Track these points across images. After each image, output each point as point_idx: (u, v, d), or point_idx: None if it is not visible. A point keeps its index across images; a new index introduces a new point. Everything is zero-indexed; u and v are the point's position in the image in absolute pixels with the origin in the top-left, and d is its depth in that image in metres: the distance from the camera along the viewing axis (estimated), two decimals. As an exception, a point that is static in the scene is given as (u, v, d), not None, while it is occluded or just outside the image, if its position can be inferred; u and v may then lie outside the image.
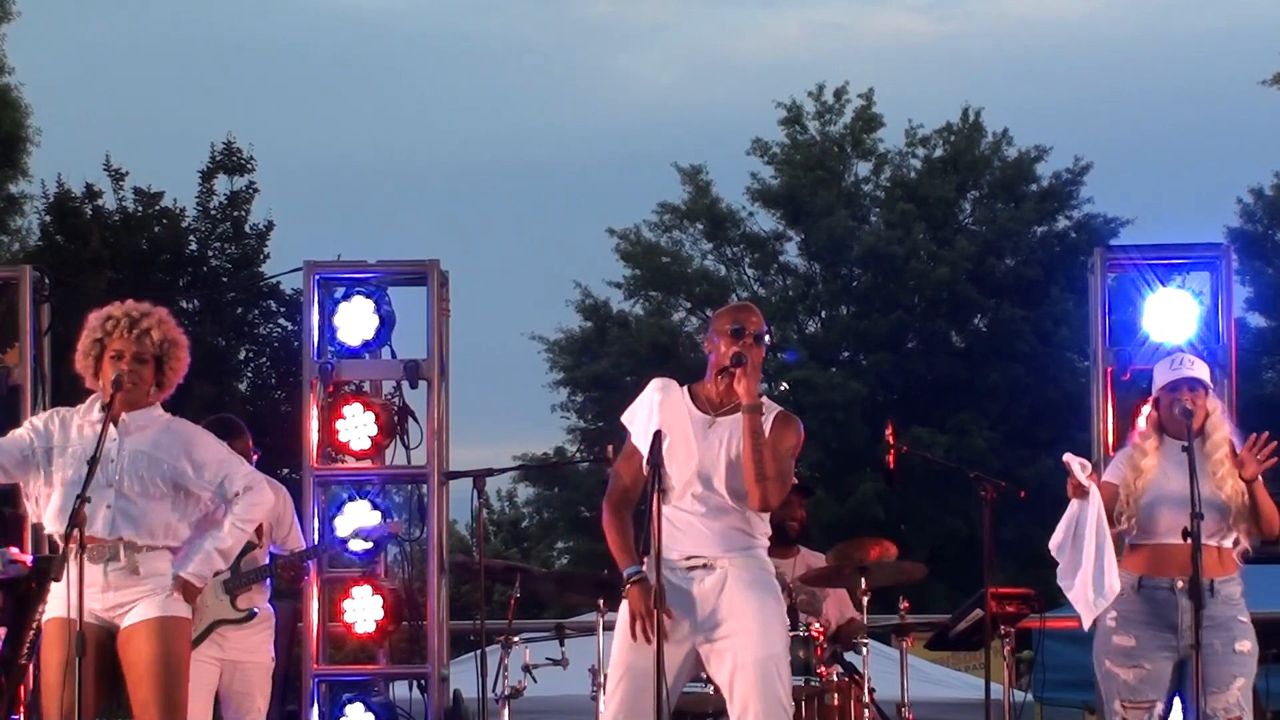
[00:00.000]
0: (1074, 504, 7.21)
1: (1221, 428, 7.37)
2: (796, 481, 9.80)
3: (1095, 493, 7.18)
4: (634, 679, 6.67)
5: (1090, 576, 7.18)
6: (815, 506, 32.16)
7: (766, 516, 6.90)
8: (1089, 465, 7.23)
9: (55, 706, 6.71)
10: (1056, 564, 7.30)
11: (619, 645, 6.77)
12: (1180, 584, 7.20)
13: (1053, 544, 7.27)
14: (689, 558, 6.75)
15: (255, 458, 8.90)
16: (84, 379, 7.07)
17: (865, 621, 9.29)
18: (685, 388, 6.96)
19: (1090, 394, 9.90)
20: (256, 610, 8.77)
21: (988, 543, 9.47)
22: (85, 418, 7.03)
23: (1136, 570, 7.33)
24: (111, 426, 6.94)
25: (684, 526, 6.77)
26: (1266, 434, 7.26)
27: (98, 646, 6.82)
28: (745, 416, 6.77)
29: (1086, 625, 7.37)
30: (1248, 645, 7.31)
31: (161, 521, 6.96)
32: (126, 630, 6.90)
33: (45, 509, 6.99)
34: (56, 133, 32.45)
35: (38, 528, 9.36)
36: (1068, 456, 7.21)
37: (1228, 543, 7.33)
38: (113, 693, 7.10)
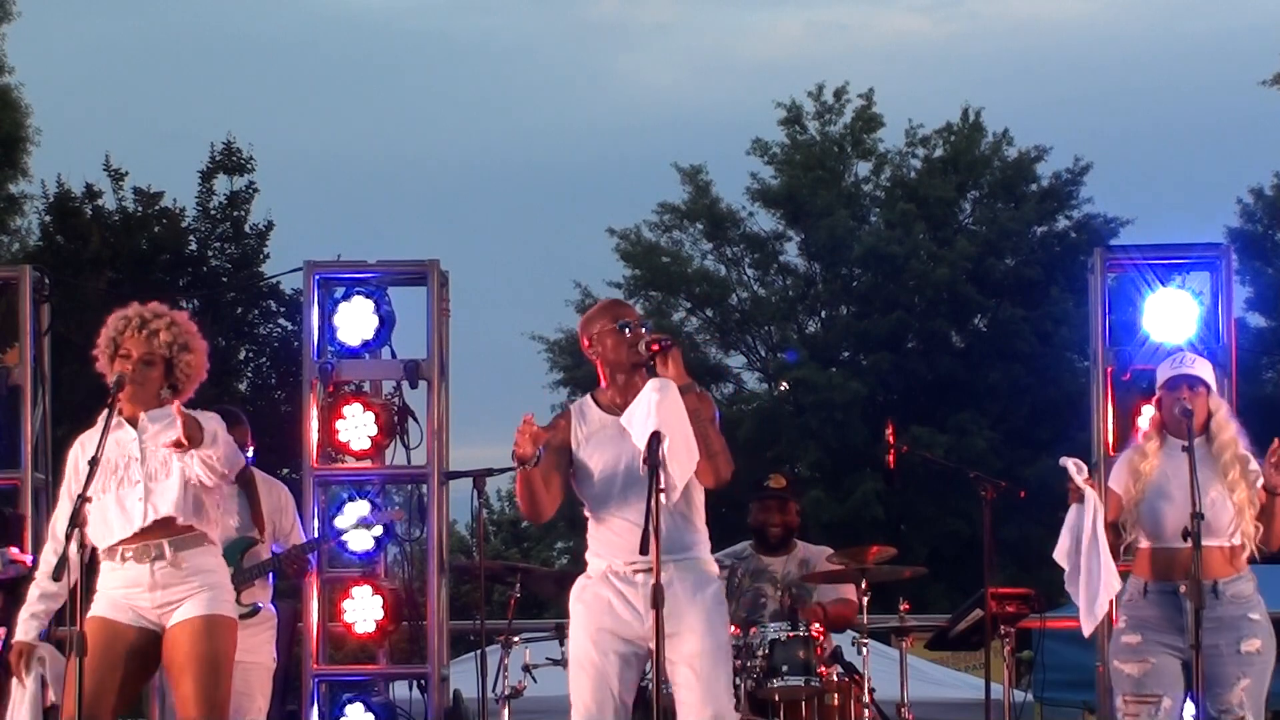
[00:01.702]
0: (1073, 508, 7.20)
1: (1228, 428, 7.32)
2: (784, 486, 9.83)
3: (1091, 495, 7.17)
4: (599, 680, 6.69)
5: (1086, 585, 7.17)
6: (815, 506, 32.41)
7: (703, 514, 6.87)
8: (1084, 467, 7.22)
9: (72, 703, 6.71)
10: (1057, 565, 7.29)
11: (581, 644, 6.73)
12: (1183, 588, 7.15)
13: (1057, 552, 7.25)
14: (632, 563, 6.72)
15: (253, 448, 8.91)
16: (106, 378, 7.08)
17: (865, 622, 9.29)
18: (587, 398, 6.93)
19: (1090, 394, 9.90)
20: (260, 606, 8.77)
21: (988, 543, 9.47)
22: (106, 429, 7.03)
23: (1144, 575, 7.31)
24: (131, 429, 6.96)
25: (623, 533, 6.73)
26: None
27: (137, 650, 6.86)
28: (683, 398, 6.66)
29: (1087, 633, 7.34)
30: (1257, 644, 7.23)
31: (192, 499, 6.93)
32: (173, 629, 6.89)
33: (92, 525, 6.94)
34: (56, 133, 32.58)
35: (38, 527, 9.38)
36: (1065, 459, 7.20)
37: (1238, 540, 7.27)
38: (136, 695, 7.13)
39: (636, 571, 6.71)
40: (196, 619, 6.87)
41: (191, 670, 6.83)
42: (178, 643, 6.86)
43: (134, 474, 6.91)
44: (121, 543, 6.87)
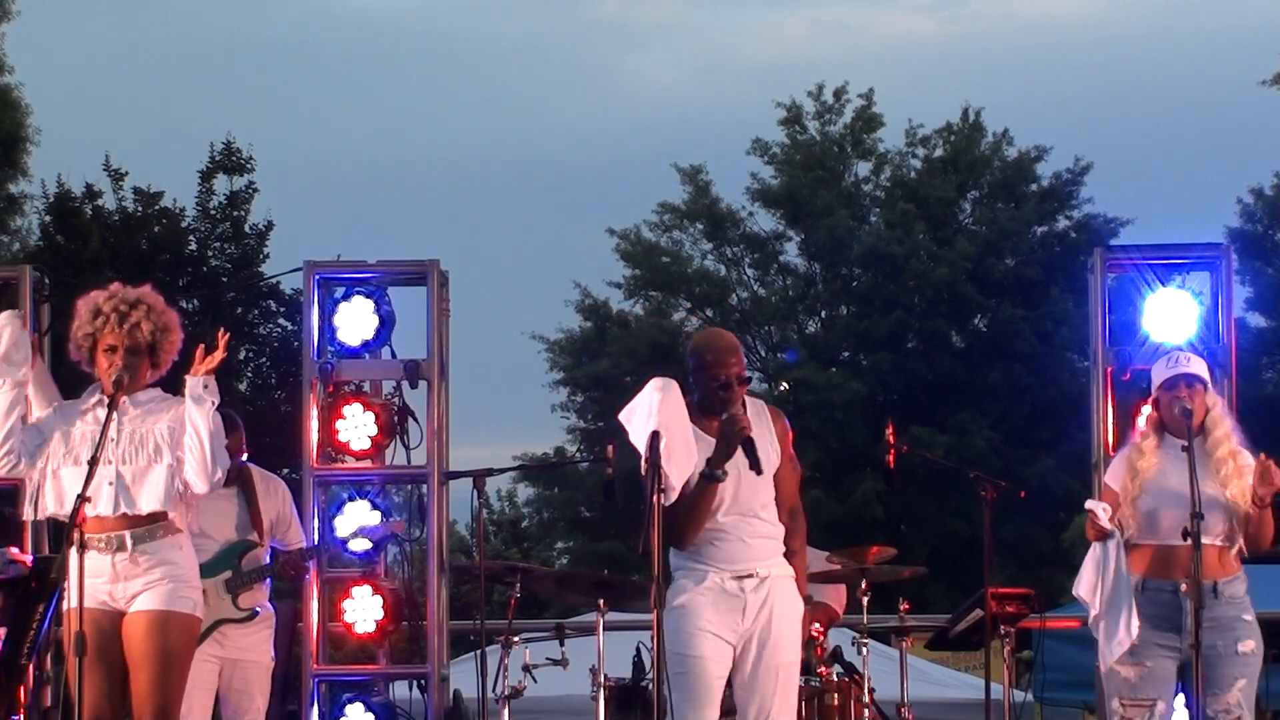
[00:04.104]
0: (1096, 547, 7.24)
1: (1222, 424, 7.34)
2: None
3: (1116, 535, 7.21)
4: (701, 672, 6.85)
5: (1107, 627, 7.21)
6: (815, 506, 32.37)
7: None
8: (1110, 509, 7.25)
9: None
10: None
11: (682, 639, 6.88)
12: (1184, 586, 7.16)
13: (1079, 588, 7.29)
14: (737, 566, 6.95)
15: (245, 454, 8.90)
16: (80, 364, 7.11)
17: (865, 621, 9.30)
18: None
19: (1090, 394, 9.89)
20: (259, 610, 8.78)
21: (988, 543, 9.47)
22: (84, 405, 7.06)
23: (1139, 572, 7.30)
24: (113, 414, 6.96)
25: (749, 539, 6.97)
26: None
27: (116, 633, 6.83)
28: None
29: (1105, 669, 7.35)
30: (1251, 645, 7.26)
31: (158, 488, 6.94)
32: (130, 617, 6.88)
33: (47, 493, 6.97)
34: (56, 133, 32.58)
35: (38, 528, 9.38)
36: (1090, 503, 7.28)
37: (1232, 542, 7.30)
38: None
39: (741, 577, 6.96)
40: (154, 613, 6.86)
41: (146, 667, 6.82)
42: (135, 635, 6.85)
43: (107, 453, 6.90)
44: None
